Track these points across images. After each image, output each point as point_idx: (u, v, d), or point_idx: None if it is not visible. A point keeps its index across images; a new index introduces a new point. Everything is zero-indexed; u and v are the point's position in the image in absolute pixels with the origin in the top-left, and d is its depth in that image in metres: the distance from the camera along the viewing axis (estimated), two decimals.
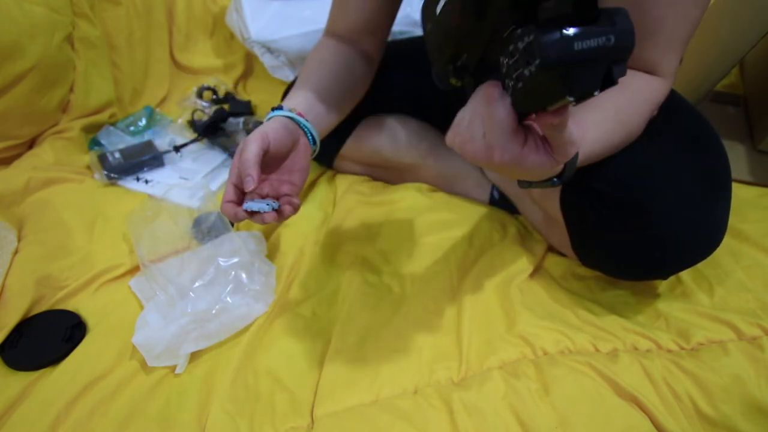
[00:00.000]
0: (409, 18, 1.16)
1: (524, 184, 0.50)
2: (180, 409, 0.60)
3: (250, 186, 0.54)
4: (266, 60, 1.18)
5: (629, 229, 0.61)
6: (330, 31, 0.78)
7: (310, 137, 0.64)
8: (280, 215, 0.58)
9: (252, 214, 0.56)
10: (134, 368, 0.65)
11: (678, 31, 0.58)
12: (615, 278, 0.74)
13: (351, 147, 0.92)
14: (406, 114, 0.93)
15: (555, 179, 0.48)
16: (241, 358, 0.65)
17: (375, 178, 0.96)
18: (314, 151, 0.66)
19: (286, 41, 1.14)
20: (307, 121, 0.63)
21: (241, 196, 0.58)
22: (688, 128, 0.68)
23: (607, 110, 0.57)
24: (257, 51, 1.17)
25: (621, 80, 0.60)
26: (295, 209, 0.59)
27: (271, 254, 0.81)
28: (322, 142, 0.68)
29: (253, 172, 0.54)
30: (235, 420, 0.59)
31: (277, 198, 0.60)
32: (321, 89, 0.69)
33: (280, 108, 0.63)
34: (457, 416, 0.57)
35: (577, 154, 0.49)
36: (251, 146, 0.55)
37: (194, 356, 0.66)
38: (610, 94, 0.59)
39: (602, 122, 0.56)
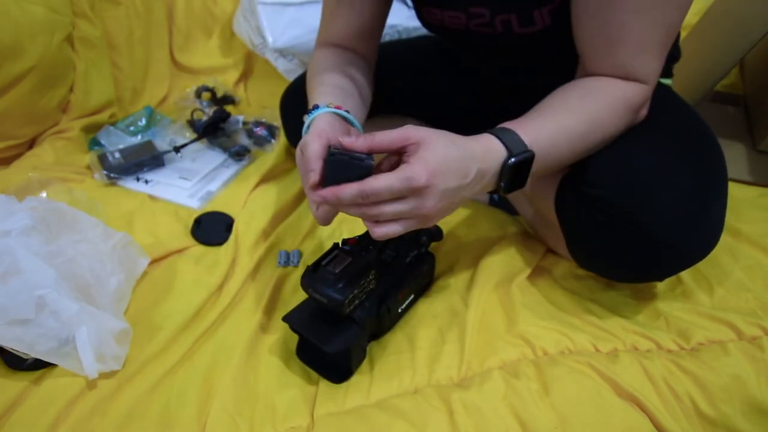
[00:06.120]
0: (411, 18, 1.15)
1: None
2: (180, 409, 0.60)
3: (313, 179, 0.53)
4: (280, 64, 1.18)
5: (623, 231, 0.61)
6: (323, 42, 0.78)
7: (357, 126, 0.63)
8: None
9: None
10: (134, 368, 0.65)
11: (648, 36, 0.57)
12: (611, 280, 0.74)
13: None
14: (406, 114, 0.93)
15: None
16: (241, 358, 0.65)
17: None
18: None
19: (304, 46, 1.14)
20: (347, 111, 0.62)
21: None
22: (681, 128, 0.68)
23: (566, 119, 0.59)
24: (270, 57, 1.17)
25: (590, 87, 0.61)
26: None
27: (272, 254, 0.81)
28: None
29: (315, 166, 0.53)
30: (235, 420, 0.59)
31: None
32: (341, 86, 0.69)
33: (316, 108, 0.61)
34: (457, 416, 0.57)
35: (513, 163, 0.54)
36: (312, 145, 0.54)
37: (194, 356, 0.66)
38: (571, 103, 0.60)
39: (560, 130, 0.59)
